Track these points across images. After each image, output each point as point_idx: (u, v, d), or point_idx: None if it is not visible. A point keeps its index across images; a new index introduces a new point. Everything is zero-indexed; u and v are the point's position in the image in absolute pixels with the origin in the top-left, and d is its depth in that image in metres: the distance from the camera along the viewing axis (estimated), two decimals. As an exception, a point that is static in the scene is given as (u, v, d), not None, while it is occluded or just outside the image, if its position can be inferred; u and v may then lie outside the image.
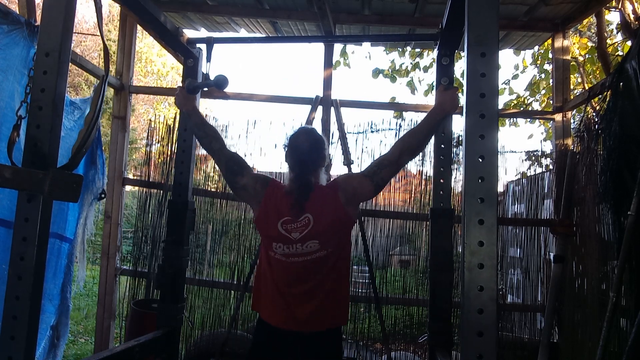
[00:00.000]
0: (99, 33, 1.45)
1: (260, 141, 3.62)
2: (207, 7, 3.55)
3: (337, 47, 5.09)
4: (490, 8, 1.12)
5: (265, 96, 3.75)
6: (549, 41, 3.91)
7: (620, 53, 5.01)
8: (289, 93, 16.08)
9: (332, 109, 3.52)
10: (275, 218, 1.73)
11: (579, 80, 5.81)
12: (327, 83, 3.56)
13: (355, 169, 3.50)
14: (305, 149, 1.78)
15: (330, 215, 1.72)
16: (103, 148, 3.21)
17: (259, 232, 1.88)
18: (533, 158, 3.93)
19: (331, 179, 1.92)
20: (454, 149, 3.31)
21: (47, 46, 1.27)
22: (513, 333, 3.41)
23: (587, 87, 4.82)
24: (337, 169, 3.58)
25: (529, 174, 3.86)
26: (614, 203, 2.53)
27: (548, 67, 5.54)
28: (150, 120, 4.00)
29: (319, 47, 17.87)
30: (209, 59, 2.20)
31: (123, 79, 3.60)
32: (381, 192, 3.94)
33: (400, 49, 5.66)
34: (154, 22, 2.08)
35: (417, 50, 5.70)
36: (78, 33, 12.19)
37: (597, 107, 3.14)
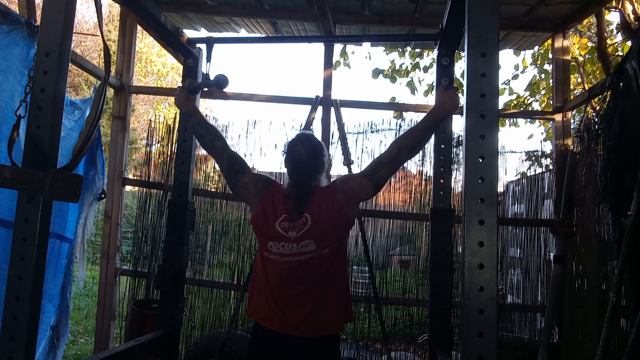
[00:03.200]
0: (99, 33, 1.45)
1: (260, 141, 3.62)
2: (207, 7, 3.55)
3: (337, 47, 5.09)
4: (490, 8, 1.12)
5: (265, 96, 3.74)
6: (549, 41, 3.91)
7: (620, 53, 5.01)
8: (289, 93, 16.10)
9: (332, 109, 3.51)
10: (273, 217, 1.73)
11: (579, 80, 5.80)
12: (327, 83, 3.56)
13: (355, 169, 3.51)
14: (303, 157, 1.77)
15: (328, 215, 1.71)
16: (103, 148, 3.21)
17: (255, 232, 1.86)
18: (533, 158, 3.93)
19: (331, 180, 1.91)
20: (454, 149, 3.31)
21: (47, 46, 1.27)
22: (513, 333, 3.40)
23: (587, 87, 4.82)
24: (337, 169, 3.59)
25: (529, 174, 3.85)
26: (614, 203, 2.53)
27: (548, 67, 5.54)
28: (150, 120, 4.00)
29: (319, 47, 17.88)
30: (209, 59, 2.20)
31: (123, 79, 3.59)
32: (381, 192, 3.96)
33: (400, 49, 5.66)
34: (154, 22, 2.08)
35: (417, 50, 5.69)
36: (78, 33, 12.18)
37: (597, 107, 3.14)
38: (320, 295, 1.71)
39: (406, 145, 1.76)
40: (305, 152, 1.78)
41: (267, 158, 3.62)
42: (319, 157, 1.82)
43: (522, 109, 5.82)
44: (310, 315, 1.69)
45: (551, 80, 4.38)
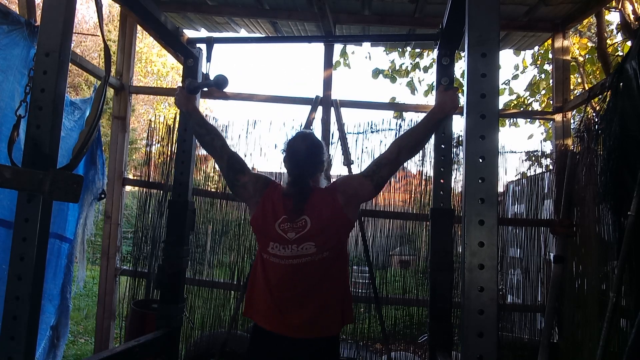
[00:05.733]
0: (99, 33, 1.45)
1: (260, 141, 3.62)
2: (207, 7, 3.55)
3: (337, 47, 5.09)
4: (490, 8, 1.12)
5: (265, 96, 3.74)
6: (549, 41, 3.91)
7: (620, 53, 5.01)
8: (289, 93, 16.10)
9: (332, 109, 3.51)
10: (273, 218, 1.72)
11: (579, 80, 5.80)
12: (327, 83, 3.56)
13: (355, 169, 3.51)
14: (303, 154, 1.77)
15: (328, 217, 1.70)
16: (103, 148, 3.21)
17: (255, 233, 1.85)
18: (533, 158, 3.93)
19: (331, 181, 1.91)
20: (454, 149, 3.31)
21: (47, 46, 1.27)
22: (513, 333, 3.41)
23: (587, 87, 4.82)
24: (337, 169, 3.59)
25: (529, 174, 3.85)
26: (614, 203, 2.53)
27: (548, 67, 5.54)
28: (150, 120, 4.00)
29: (319, 47, 17.90)
30: (209, 59, 2.20)
31: (123, 79, 3.59)
32: (381, 192, 3.95)
33: (400, 49, 5.66)
34: (154, 22, 2.08)
35: (417, 50, 5.69)
36: (78, 33, 12.19)
37: (597, 107, 3.14)
38: (320, 297, 1.70)
39: (406, 146, 1.76)
40: (305, 148, 1.78)
41: (267, 158, 3.62)
42: (319, 154, 1.81)
43: (522, 109, 5.82)
44: (310, 317, 1.68)
45: (551, 80, 4.38)
